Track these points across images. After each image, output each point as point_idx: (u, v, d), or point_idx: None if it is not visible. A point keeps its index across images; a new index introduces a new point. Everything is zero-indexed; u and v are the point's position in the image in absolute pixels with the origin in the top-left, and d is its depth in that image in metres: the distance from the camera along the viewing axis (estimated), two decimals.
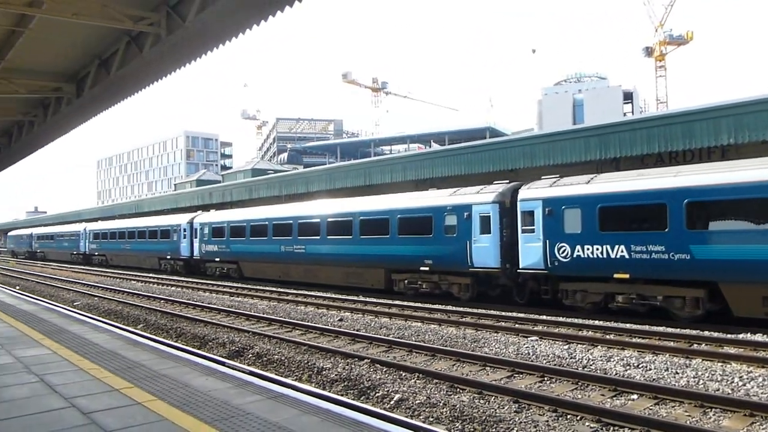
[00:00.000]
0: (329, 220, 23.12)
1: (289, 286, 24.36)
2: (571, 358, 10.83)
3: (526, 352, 11.43)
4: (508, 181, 18.83)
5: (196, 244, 31.89)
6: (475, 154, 24.37)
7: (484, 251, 17.47)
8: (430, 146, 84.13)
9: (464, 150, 25.63)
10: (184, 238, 32.76)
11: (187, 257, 32.99)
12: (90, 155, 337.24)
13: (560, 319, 14.70)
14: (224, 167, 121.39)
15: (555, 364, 10.34)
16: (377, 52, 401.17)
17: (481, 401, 8.37)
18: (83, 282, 30.77)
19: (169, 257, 35.24)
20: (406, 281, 20.17)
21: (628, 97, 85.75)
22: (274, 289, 23.63)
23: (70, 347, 9.05)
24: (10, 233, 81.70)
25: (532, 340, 12.46)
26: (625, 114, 77.24)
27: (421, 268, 19.32)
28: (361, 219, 21.74)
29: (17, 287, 26.74)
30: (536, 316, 15.10)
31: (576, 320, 14.38)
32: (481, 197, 17.98)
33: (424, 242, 19.23)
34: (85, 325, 11.62)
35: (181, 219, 34.25)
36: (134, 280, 31.76)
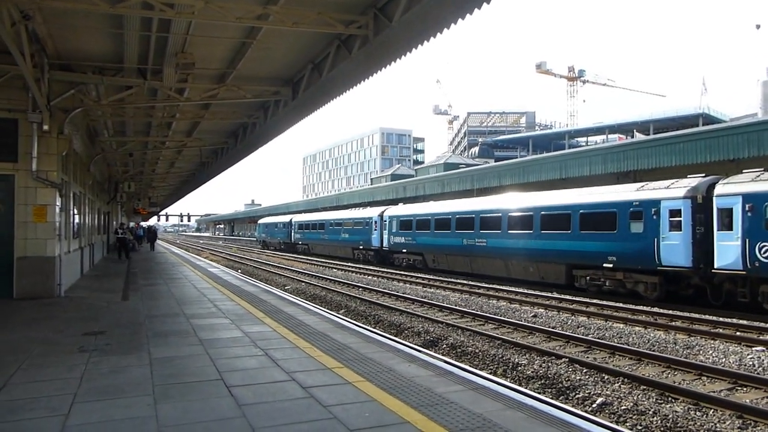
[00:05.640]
0: None
1: (480, 280, 24.34)
2: None
3: (751, 363, 10.16)
4: (703, 174, 17.34)
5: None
6: (690, 143, 22.13)
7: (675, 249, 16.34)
8: (632, 136, 78.17)
9: (675, 139, 23.43)
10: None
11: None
12: (297, 153, 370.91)
13: None
14: (416, 162, 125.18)
15: None
16: (574, 39, 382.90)
17: (698, 413, 7.62)
18: (292, 269, 33.92)
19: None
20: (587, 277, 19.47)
21: None
22: (465, 282, 23.80)
23: (287, 326, 10.00)
24: (260, 221, 72.02)
25: (757, 351, 11.02)
26: None
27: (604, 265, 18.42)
28: None
29: (239, 270, 30.30)
30: (762, 324, 13.29)
31: None
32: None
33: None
34: (297, 308, 12.72)
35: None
36: (335, 268, 34.18)
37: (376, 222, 36.25)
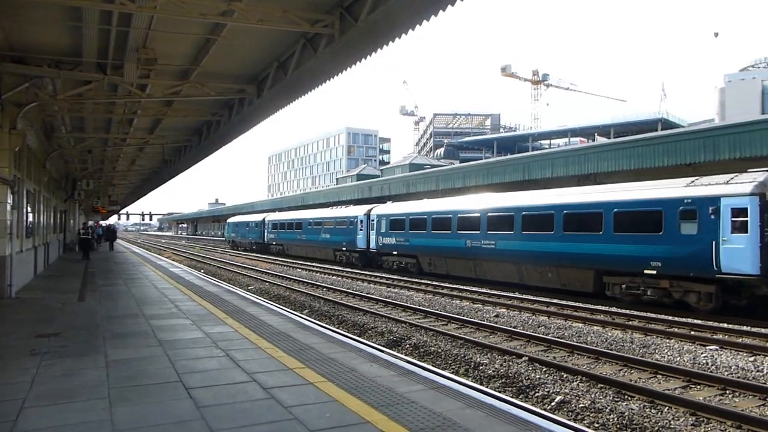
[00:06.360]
0: None
1: (444, 280, 24.47)
2: (757, 371, 9.76)
3: (704, 362, 10.47)
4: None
5: None
6: (648, 147, 22.73)
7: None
8: (593, 140, 79.90)
9: (634, 143, 24.02)
10: None
11: None
12: (262, 151, 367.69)
13: (744, 327, 13.21)
14: (382, 162, 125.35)
15: (738, 377, 9.37)
16: (538, 43, 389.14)
17: (653, 411, 7.82)
18: (256, 269, 33.56)
19: None
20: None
21: None
22: (429, 282, 23.92)
23: (248, 327, 9.91)
24: (230, 220, 66.81)
25: (710, 349, 11.37)
26: None
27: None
28: None
29: (202, 270, 29.85)
30: (715, 324, 13.72)
31: (763, 330, 12.83)
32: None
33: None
34: (260, 308, 12.63)
35: None
36: (300, 268, 33.93)
37: (361, 221, 32.91)
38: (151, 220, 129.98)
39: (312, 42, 11.43)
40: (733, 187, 14.81)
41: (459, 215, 24.38)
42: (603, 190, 18.83)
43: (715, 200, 14.94)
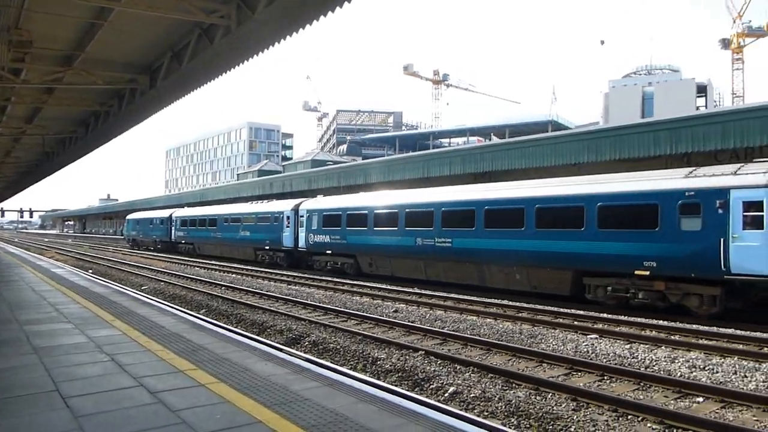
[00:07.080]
0: None
1: (345, 277, 24.53)
2: (632, 357, 10.50)
3: (585, 350, 11.14)
4: None
5: None
6: (537, 147, 23.95)
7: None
8: (490, 139, 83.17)
9: (525, 143, 25.23)
10: None
11: None
12: (159, 145, 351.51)
13: (622, 317, 14.25)
14: (285, 158, 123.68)
15: (615, 364, 10.04)
16: (439, 44, 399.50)
17: (538, 398, 8.24)
18: (151, 267, 32.06)
19: None
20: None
21: (701, 90, 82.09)
22: (330, 278, 23.91)
23: (138, 329, 9.43)
24: (129, 217, 60.24)
25: (591, 338, 12.14)
26: (698, 108, 74.01)
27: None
28: None
29: (90, 271, 28.09)
30: (596, 314, 14.71)
31: (639, 319, 13.92)
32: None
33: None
34: (153, 309, 12.09)
35: None
36: (198, 267, 32.81)
37: (288, 217, 29.89)
38: (31, 217, 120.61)
39: (208, 32, 11.05)
40: (745, 178, 13.26)
41: (407, 210, 22.03)
42: (583, 182, 17.01)
43: (722, 192, 13.33)
